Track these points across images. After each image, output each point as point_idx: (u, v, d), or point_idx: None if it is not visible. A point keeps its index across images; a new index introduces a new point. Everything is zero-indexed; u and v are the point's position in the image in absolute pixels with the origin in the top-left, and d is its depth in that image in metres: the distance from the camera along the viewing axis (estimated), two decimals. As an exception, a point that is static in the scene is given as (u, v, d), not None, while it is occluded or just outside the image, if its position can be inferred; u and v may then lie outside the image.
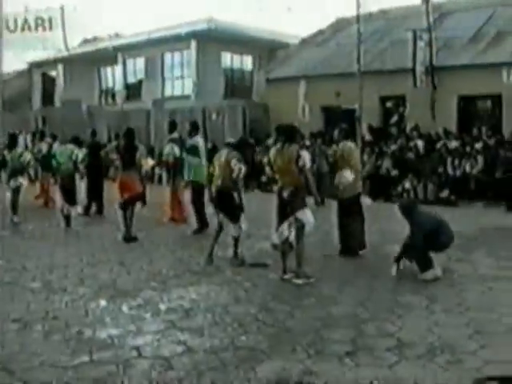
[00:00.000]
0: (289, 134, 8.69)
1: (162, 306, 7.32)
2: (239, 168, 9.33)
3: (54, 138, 18.97)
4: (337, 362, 5.52)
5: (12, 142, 14.54)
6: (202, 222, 12.35)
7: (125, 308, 7.27)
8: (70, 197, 13.16)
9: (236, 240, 9.64)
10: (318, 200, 8.79)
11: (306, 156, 8.43)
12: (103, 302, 7.51)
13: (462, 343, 5.90)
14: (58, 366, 5.49)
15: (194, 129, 12.98)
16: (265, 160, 9.28)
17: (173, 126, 14.32)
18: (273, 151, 8.74)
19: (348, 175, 9.95)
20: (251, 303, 7.43)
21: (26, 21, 30.41)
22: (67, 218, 13.09)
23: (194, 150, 12.65)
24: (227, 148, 9.76)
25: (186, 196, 13.11)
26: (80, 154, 13.76)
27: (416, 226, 8.59)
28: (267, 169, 9.06)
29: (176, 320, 6.76)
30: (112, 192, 12.72)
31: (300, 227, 8.40)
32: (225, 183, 9.48)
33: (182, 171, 13.01)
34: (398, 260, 8.70)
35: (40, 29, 30.09)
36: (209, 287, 8.21)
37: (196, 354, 5.73)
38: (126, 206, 11.59)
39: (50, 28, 29.39)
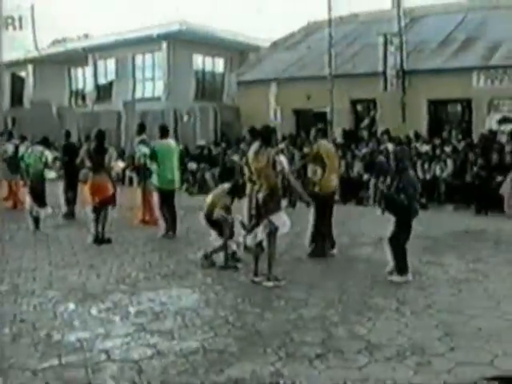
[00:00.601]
0: (265, 135, 8.66)
1: (132, 309, 7.26)
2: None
3: (23, 139, 18.73)
4: (307, 364, 5.52)
5: None
6: (172, 226, 12.23)
7: (94, 311, 7.20)
8: (39, 199, 13.03)
9: (222, 246, 9.63)
10: (307, 199, 8.82)
11: (282, 160, 8.42)
12: (72, 305, 7.44)
13: (432, 345, 5.93)
14: (27, 369, 5.43)
15: (164, 132, 12.78)
16: (242, 161, 9.23)
17: (141, 128, 14.21)
18: (250, 153, 8.70)
19: (310, 172, 10.20)
20: (221, 306, 7.41)
21: (-5, 19, 29.98)
22: (36, 221, 12.96)
23: (152, 155, 12.45)
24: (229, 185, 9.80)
25: (155, 198, 12.94)
26: (49, 155, 13.61)
27: (406, 180, 8.45)
28: (245, 169, 9.02)
29: (146, 323, 6.71)
30: (82, 194, 12.60)
31: (273, 230, 8.39)
32: (209, 210, 9.58)
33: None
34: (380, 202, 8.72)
35: (10, 28, 29.63)
36: (179, 290, 8.16)
37: (166, 357, 5.70)
38: (99, 208, 11.51)
39: (20, 27, 28.91)
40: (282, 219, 8.37)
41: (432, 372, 5.29)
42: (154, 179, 12.36)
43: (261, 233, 8.37)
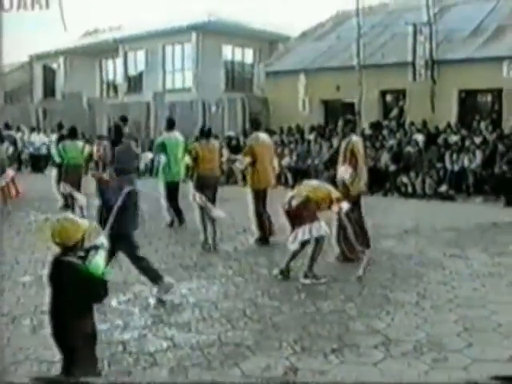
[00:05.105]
0: None
1: (152, 301, 7.31)
2: None
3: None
4: (322, 358, 5.50)
5: None
6: (179, 217, 12.36)
7: (114, 302, 7.23)
8: (79, 188, 13.64)
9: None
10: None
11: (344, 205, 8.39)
12: (92, 297, 7.48)
13: (450, 341, 5.87)
14: (45, 360, 5.48)
15: (171, 125, 12.84)
16: None
17: (123, 121, 14.28)
18: None
19: (342, 172, 9.20)
20: (240, 299, 7.42)
21: (21, -4, 29.96)
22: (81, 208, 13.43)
23: (157, 148, 12.50)
24: None
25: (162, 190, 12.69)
26: (87, 148, 14.37)
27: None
28: None
29: (164, 315, 6.76)
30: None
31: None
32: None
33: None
34: None
35: (37, 7, 29.58)
36: (199, 282, 8.20)
37: (181, 350, 5.73)
38: None
39: (47, 6, 28.73)
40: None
41: (447, 368, 5.23)
42: (162, 171, 12.41)
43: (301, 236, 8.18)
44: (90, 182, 14.32)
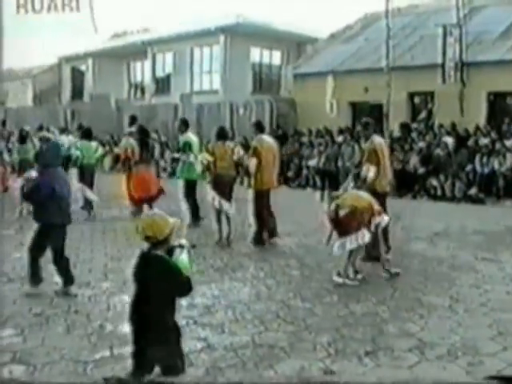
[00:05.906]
0: None
1: (184, 302, 7.29)
2: None
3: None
4: (356, 361, 5.49)
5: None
6: (197, 215, 12.65)
7: (147, 303, 7.27)
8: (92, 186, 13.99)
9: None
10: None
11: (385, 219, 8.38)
12: (126, 297, 7.50)
13: (484, 345, 5.83)
14: (79, 360, 5.52)
15: (185, 125, 13.12)
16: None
17: (133, 120, 14.89)
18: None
19: (365, 171, 9.23)
20: (273, 300, 7.42)
21: (52, -1, 30.12)
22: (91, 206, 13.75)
23: (185, 147, 12.71)
24: None
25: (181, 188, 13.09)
26: (100, 149, 15.15)
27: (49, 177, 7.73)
28: None
29: (197, 316, 6.77)
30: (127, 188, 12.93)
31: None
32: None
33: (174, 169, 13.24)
34: None
35: (67, 9, 29.69)
36: (231, 283, 8.22)
37: (216, 351, 5.74)
38: (140, 201, 11.89)
39: (78, 8, 28.88)
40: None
41: (483, 372, 5.19)
42: (188, 170, 12.63)
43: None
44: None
